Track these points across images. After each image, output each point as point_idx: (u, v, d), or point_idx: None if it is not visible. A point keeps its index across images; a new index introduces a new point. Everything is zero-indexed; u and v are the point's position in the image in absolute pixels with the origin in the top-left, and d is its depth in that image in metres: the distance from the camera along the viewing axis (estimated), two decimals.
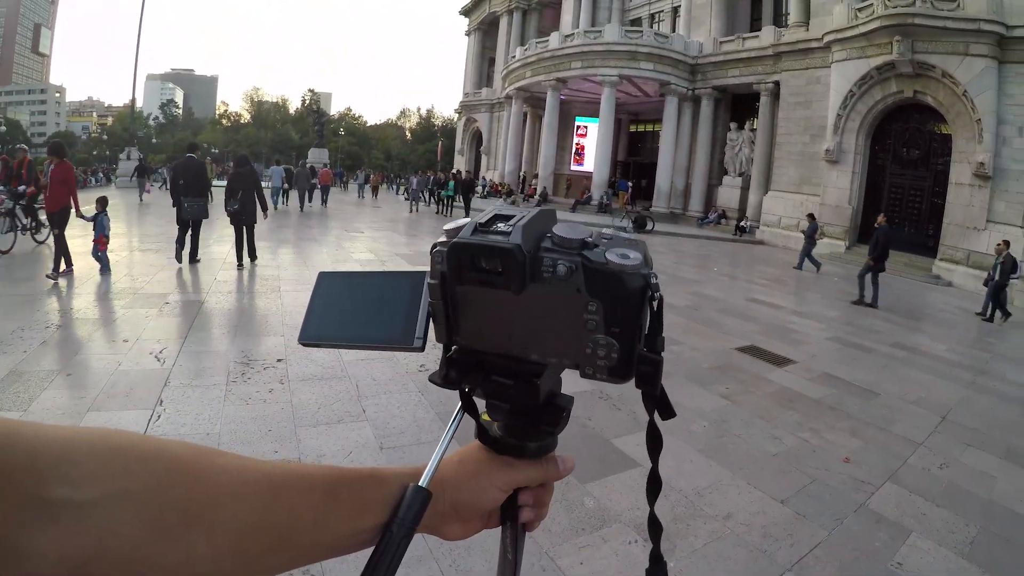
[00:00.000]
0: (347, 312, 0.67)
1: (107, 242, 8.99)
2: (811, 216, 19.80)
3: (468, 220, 0.62)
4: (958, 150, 21.51)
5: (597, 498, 3.69)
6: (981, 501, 4.26)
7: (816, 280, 16.60)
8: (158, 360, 5.41)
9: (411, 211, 27.03)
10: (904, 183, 24.39)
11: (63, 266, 8.54)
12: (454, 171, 34.65)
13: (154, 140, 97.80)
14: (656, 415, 0.62)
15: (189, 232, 10.19)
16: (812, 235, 19.04)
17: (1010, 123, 20.04)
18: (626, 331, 0.56)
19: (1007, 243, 14.85)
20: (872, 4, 22.86)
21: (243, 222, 10.37)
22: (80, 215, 9.02)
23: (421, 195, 29.02)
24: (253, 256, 10.68)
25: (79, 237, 9.85)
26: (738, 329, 8.91)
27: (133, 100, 38.72)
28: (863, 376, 7.16)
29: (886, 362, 8.11)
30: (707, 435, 4.96)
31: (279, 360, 5.65)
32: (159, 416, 4.27)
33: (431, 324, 0.65)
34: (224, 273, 9.69)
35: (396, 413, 4.68)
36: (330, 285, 0.70)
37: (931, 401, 6.53)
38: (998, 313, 13.96)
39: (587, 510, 3.54)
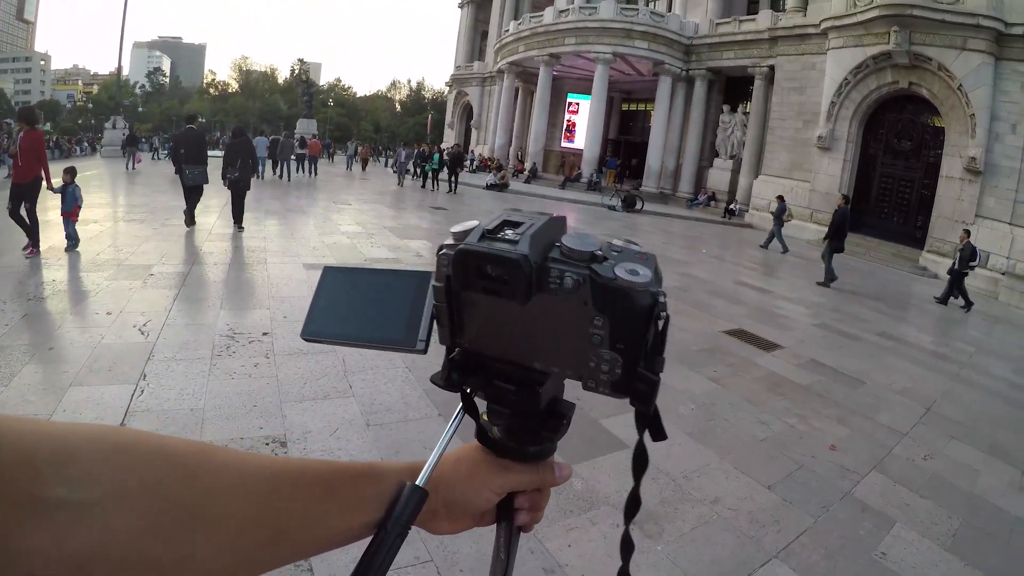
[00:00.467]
0: (351, 309, 0.66)
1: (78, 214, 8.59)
2: (780, 198, 20.18)
3: (476, 224, 0.61)
4: (950, 144, 21.65)
5: (586, 479, 3.68)
6: (964, 494, 4.29)
7: (805, 265, 16.65)
8: (142, 333, 5.33)
9: (399, 184, 26.43)
10: (895, 173, 24.52)
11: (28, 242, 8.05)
12: (443, 145, 33.97)
13: (140, 109, 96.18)
14: (647, 436, 0.62)
15: (189, 197, 10.84)
16: (780, 216, 19.38)
17: (1004, 120, 20.19)
18: (631, 348, 0.56)
19: (967, 232, 15.67)
20: None
21: (237, 188, 11.05)
22: (50, 187, 8.47)
23: (409, 168, 28.22)
24: (240, 225, 11.10)
25: (52, 209, 9.51)
26: (726, 312, 8.94)
27: (119, 68, 38.12)
28: (849, 364, 7.19)
29: (872, 351, 8.15)
30: (696, 418, 4.96)
31: (265, 334, 5.59)
32: (142, 391, 4.21)
33: (435, 326, 0.64)
34: (210, 244, 9.61)
35: (383, 389, 4.64)
36: (334, 281, 0.68)
37: (916, 392, 6.57)
38: (955, 299, 14.50)
39: (575, 492, 3.53)
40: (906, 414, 5.75)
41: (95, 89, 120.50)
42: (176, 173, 11.33)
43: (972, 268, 14.64)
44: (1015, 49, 20.16)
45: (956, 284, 14.42)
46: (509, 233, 0.57)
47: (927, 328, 11.06)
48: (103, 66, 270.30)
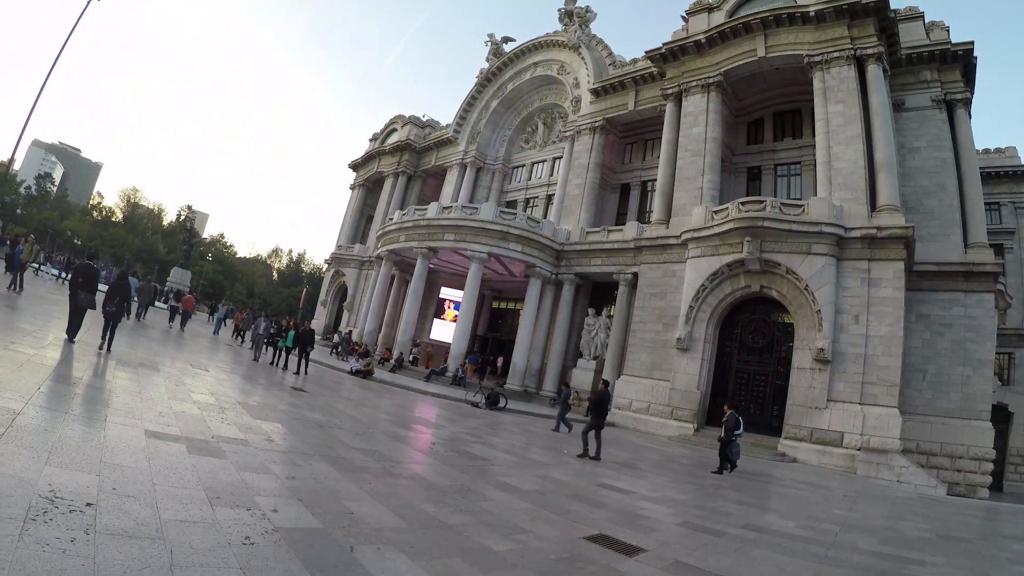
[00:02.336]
0: None
1: None
2: (566, 384, 22.67)
3: None
4: (800, 338, 23.58)
5: None
6: None
7: (666, 463, 16.82)
8: None
9: (255, 358, 24.11)
10: (750, 368, 26.08)
11: None
12: (313, 323, 32.86)
13: (19, 211, 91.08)
14: None
15: (78, 317, 13.30)
16: (566, 400, 21.23)
17: (847, 312, 22.59)
18: None
19: (727, 408, 17.24)
20: (728, 208, 25.60)
21: (114, 319, 13.97)
22: None
23: (267, 341, 25.30)
24: (110, 346, 13.75)
25: None
26: (587, 516, 8.40)
27: (11, 160, 36.42)
28: (716, 562, 6.90)
29: (738, 545, 7.93)
30: None
31: (89, 504, 4.76)
32: None
33: None
34: (51, 384, 8.58)
35: None
36: None
37: None
38: (728, 466, 16.19)
39: None
40: None
41: None
42: (70, 296, 13.43)
43: (737, 436, 16.33)
44: (854, 250, 23.07)
45: (723, 451, 16.05)
46: None
47: (791, 514, 11.03)
48: None
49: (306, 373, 21.86)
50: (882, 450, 20.20)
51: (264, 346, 25.07)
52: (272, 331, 25.08)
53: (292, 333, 23.70)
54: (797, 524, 9.96)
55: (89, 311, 13.83)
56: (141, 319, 26.48)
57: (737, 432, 16.27)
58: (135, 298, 25.57)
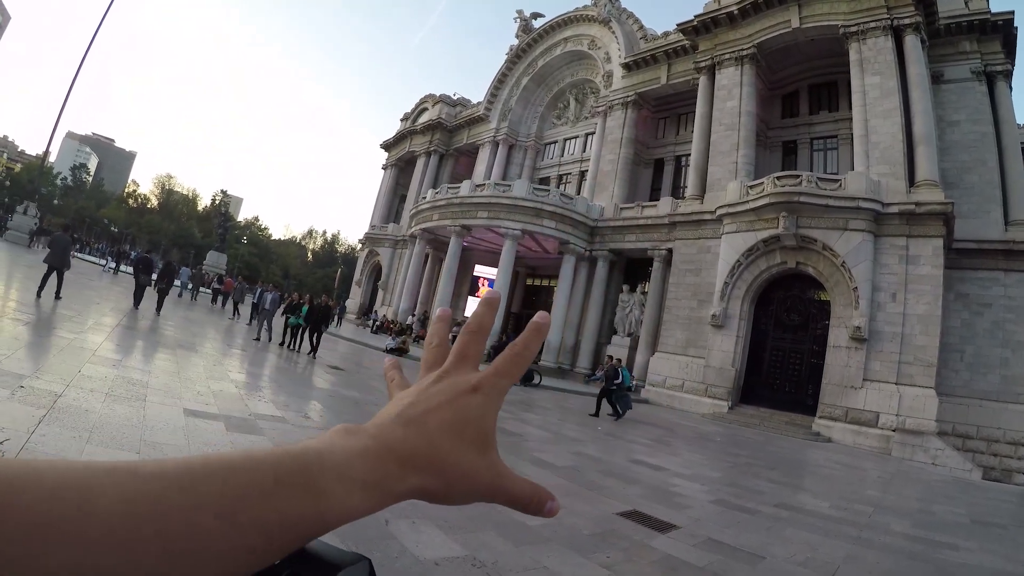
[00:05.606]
0: None
1: None
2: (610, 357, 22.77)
3: None
4: (836, 315, 23.26)
5: None
6: None
7: (700, 440, 16.76)
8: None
9: (256, 337, 20.18)
10: (785, 346, 25.83)
11: None
12: (348, 301, 32.83)
13: (56, 201, 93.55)
14: None
15: (139, 292, 19.09)
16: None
17: (884, 290, 22.16)
18: None
19: (611, 358, 19.03)
20: (763, 183, 25.19)
21: (164, 294, 19.78)
22: None
23: (272, 317, 20.85)
24: (160, 310, 18.87)
25: None
26: (620, 492, 8.43)
27: (46, 152, 37.63)
28: (748, 540, 6.90)
29: (771, 523, 7.91)
30: None
31: None
32: None
33: None
34: (91, 367, 8.61)
35: None
36: None
37: (818, 561, 6.34)
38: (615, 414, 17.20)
39: None
40: None
41: (18, 167, 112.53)
42: (134, 276, 19.62)
43: (617, 385, 17.12)
44: (892, 226, 22.56)
45: (606, 397, 17.22)
46: None
47: (824, 494, 10.95)
48: (33, 146, 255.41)
49: (314, 355, 18.82)
50: (918, 431, 19.93)
51: (270, 323, 20.90)
52: (274, 304, 20.87)
53: (306, 308, 19.61)
54: (830, 504, 9.87)
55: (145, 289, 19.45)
56: (194, 299, 33.58)
57: (617, 381, 17.08)
58: (189, 285, 35.20)
